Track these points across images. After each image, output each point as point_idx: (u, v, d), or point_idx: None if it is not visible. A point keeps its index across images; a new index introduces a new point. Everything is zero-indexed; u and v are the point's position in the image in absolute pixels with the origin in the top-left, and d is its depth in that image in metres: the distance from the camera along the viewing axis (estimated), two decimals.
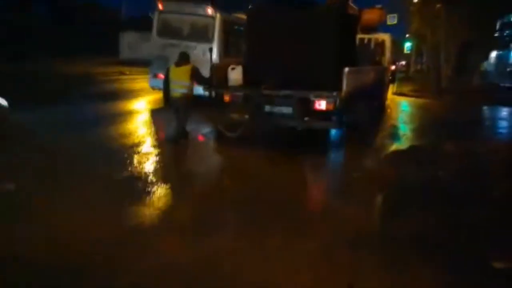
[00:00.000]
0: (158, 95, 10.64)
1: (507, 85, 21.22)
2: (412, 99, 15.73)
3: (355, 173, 5.26)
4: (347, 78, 5.67)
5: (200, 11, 9.38)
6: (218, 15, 9.18)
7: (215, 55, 8.64)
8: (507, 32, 36.13)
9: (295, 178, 5.20)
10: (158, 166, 5.31)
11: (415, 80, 22.57)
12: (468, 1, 16.14)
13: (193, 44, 8.95)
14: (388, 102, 12.89)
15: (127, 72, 21.75)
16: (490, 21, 18.62)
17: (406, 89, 18.06)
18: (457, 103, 14.04)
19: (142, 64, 26.52)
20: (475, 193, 4.61)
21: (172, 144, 6.28)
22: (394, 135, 8.30)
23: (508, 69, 36.44)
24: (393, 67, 14.81)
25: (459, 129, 8.75)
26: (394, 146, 7.10)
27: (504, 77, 24.88)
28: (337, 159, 6.91)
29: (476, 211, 3.97)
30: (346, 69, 5.67)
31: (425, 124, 10.10)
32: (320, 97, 5.78)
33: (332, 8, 6.53)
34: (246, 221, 3.69)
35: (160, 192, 4.25)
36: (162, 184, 4.47)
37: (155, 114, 8.58)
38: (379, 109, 10.81)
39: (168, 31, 9.55)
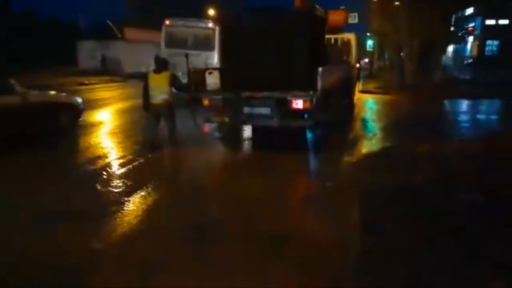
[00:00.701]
0: (123, 104, 11.05)
1: (466, 77, 22.75)
2: (378, 96, 16.27)
3: (328, 182, 5.08)
4: (321, 77, 6.18)
5: (202, 25, 11.55)
6: (217, 27, 11.07)
7: (215, 61, 10.61)
8: (461, 26, 38.50)
9: (267, 186, 4.93)
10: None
11: (379, 77, 23.49)
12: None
13: (196, 52, 10.69)
14: (355, 100, 13.26)
15: (86, 82, 21.70)
16: (446, 16, 19.51)
17: (371, 86, 18.76)
18: (421, 98, 14.67)
19: (99, 73, 26.44)
20: (452, 200, 4.39)
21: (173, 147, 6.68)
22: (365, 136, 8.28)
23: (465, 62, 38.79)
24: (358, 65, 15.62)
25: (426, 125, 9.03)
26: (366, 149, 7.08)
27: (462, 70, 26.54)
28: (310, 164, 6.61)
29: (455, 222, 3.81)
30: (320, 69, 6.18)
31: (394, 122, 10.17)
32: (297, 96, 6.22)
33: (302, 12, 7.03)
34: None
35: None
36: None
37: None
38: (349, 106, 11.47)
39: (174, 42, 10.99)
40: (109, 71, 29.51)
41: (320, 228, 3.79)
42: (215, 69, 6.97)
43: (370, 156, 6.57)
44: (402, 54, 20.02)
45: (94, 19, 35.52)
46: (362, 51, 23.39)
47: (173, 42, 11.57)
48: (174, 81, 6.45)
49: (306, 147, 7.40)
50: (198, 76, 6.88)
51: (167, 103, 6.49)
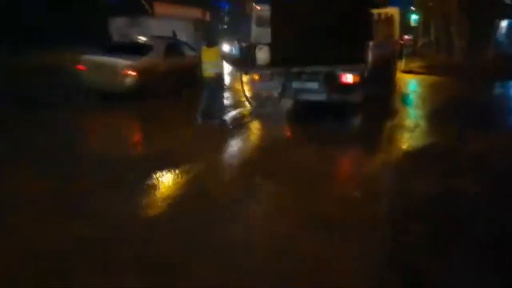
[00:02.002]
0: None
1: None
2: (422, 76, 15.31)
3: (355, 191, 4.27)
4: (371, 51, 6.70)
5: None
6: None
7: None
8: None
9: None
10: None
11: (424, 56, 22.78)
12: None
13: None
14: (396, 80, 12.87)
15: None
16: None
17: (414, 65, 18.03)
18: (471, 80, 13.15)
19: None
20: None
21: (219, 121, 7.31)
22: (405, 126, 7.30)
23: None
24: (400, 42, 15.75)
25: (477, 116, 7.85)
26: (406, 145, 6.21)
27: None
28: (339, 163, 5.74)
29: None
30: (370, 43, 6.70)
31: (439, 110, 8.84)
32: (347, 70, 6.79)
33: None
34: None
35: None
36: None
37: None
38: (392, 83, 11.86)
39: (262, 22, 12.75)
40: None
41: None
42: (265, 44, 7.59)
43: (411, 155, 5.58)
44: (447, 27, 19.45)
45: None
46: (405, 27, 23.25)
47: (261, 22, 13.50)
48: (224, 55, 7.15)
49: (342, 136, 6.71)
50: (249, 51, 7.54)
51: (218, 75, 7.19)
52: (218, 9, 48.30)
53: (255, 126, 7.57)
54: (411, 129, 7.09)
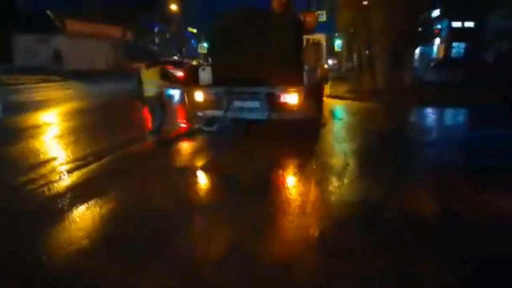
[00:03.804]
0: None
1: (432, 79, 25.48)
2: (348, 102, 15.91)
3: None
4: (307, 74, 7.91)
5: None
6: None
7: None
8: (427, 28, 42.32)
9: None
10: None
11: (348, 79, 24.87)
12: None
13: None
14: (324, 105, 13.37)
15: (12, 82, 21.70)
16: (414, 15, 20.25)
17: (340, 90, 19.19)
18: (395, 106, 14.35)
19: (38, 71, 26.64)
20: None
21: (159, 139, 8.03)
22: (332, 168, 6.38)
23: (431, 64, 42.59)
24: (325, 66, 17.58)
25: (409, 150, 7.88)
26: (332, 200, 5.03)
27: (428, 72, 29.57)
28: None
29: None
30: (306, 67, 7.91)
31: (369, 143, 8.48)
32: (285, 91, 7.89)
33: (287, 13, 8.77)
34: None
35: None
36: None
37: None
38: (320, 108, 13.35)
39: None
40: (48, 68, 29.79)
41: None
42: (207, 65, 8.50)
43: (337, 223, 4.33)
44: (369, 52, 21.12)
45: (30, 9, 35.25)
46: (330, 52, 25.59)
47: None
48: (164, 74, 7.90)
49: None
50: (191, 71, 8.40)
51: (158, 95, 7.91)
52: (146, 29, 49.12)
53: (196, 143, 8.32)
54: (337, 171, 6.16)
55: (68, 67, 31.89)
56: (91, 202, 4.78)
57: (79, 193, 5.15)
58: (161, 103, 8.02)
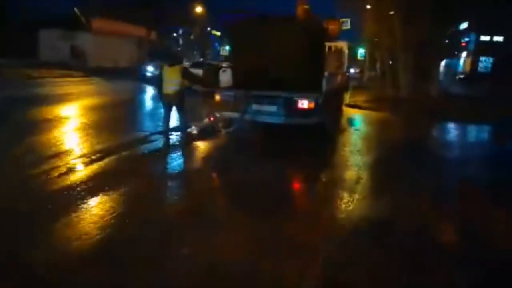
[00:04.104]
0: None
1: (457, 92, 25.22)
2: (368, 112, 15.33)
3: None
4: (326, 81, 8.06)
5: None
6: None
7: None
8: (454, 41, 41.94)
9: None
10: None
11: (370, 88, 24.80)
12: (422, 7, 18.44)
13: None
14: (343, 113, 13.52)
15: (35, 75, 22.26)
16: (441, 27, 20.23)
17: (360, 99, 18.69)
18: (419, 118, 13.72)
19: (63, 66, 27.42)
20: None
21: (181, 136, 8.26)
22: (344, 182, 6.14)
23: (457, 77, 42.11)
24: (347, 74, 17.64)
25: (430, 166, 7.43)
26: (343, 215, 4.81)
27: (453, 86, 29.29)
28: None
29: None
30: (326, 73, 8.07)
31: (386, 158, 8.09)
32: (303, 97, 8.06)
33: (309, 20, 8.95)
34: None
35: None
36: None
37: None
38: (340, 112, 13.46)
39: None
40: (75, 64, 30.62)
41: None
42: (228, 67, 8.75)
43: (348, 239, 4.19)
44: (393, 62, 21.06)
45: (60, 6, 36.33)
46: (352, 60, 25.65)
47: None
48: (185, 73, 8.12)
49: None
50: (212, 72, 8.66)
51: (177, 93, 8.13)
52: (170, 31, 50.14)
53: (211, 144, 8.51)
54: (349, 186, 5.90)
55: (91, 63, 32.67)
56: (92, 201, 4.80)
57: (81, 189, 5.21)
58: (179, 102, 8.21)
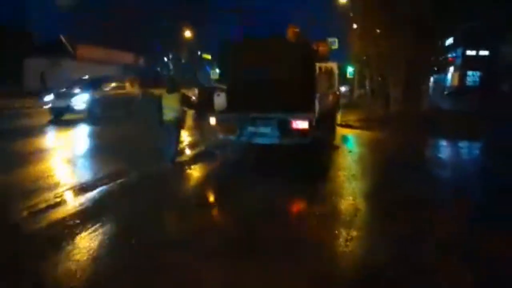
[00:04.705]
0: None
1: (447, 108, 25.83)
2: (360, 132, 15.12)
3: None
4: (319, 101, 8.41)
5: None
6: None
7: None
8: (441, 56, 43.02)
9: None
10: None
11: (360, 106, 25.07)
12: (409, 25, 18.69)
13: None
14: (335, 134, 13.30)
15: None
16: (430, 44, 20.77)
17: (351, 118, 18.67)
18: (411, 136, 13.55)
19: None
20: None
21: (170, 164, 8.48)
22: (341, 215, 5.65)
23: (445, 92, 43.07)
24: (338, 94, 18.02)
25: (428, 193, 6.77)
26: (338, 258, 4.36)
27: (442, 101, 30.01)
28: None
29: None
30: (318, 94, 8.42)
31: (380, 184, 7.49)
32: (297, 118, 8.38)
33: (300, 43, 9.35)
34: None
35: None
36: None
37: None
38: (333, 131, 13.80)
39: None
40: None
41: None
42: (222, 91, 9.08)
43: None
44: (382, 79, 21.47)
45: (45, 33, 36.78)
46: (341, 79, 26.16)
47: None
48: (184, 100, 8.43)
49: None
50: (207, 96, 8.98)
51: (177, 121, 8.44)
52: (159, 56, 50.82)
53: (207, 168, 8.72)
54: (348, 221, 5.37)
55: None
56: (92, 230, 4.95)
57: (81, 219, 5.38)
58: (178, 128, 8.51)
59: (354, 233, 4.86)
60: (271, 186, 6.88)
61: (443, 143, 12.71)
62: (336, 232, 4.95)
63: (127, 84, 18.91)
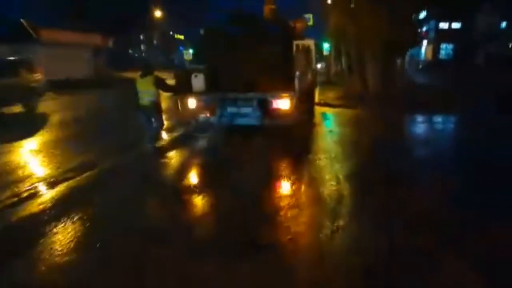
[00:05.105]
0: None
1: (422, 82, 26.18)
2: (339, 110, 14.99)
3: None
4: (298, 80, 8.41)
5: None
6: None
7: None
8: (418, 29, 43.44)
9: None
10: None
11: (337, 84, 24.73)
12: None
13: None
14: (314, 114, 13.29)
15: None
16: (407, 17, 20.10)
17: (329, 96, 18.64)
18: (389, 113, 13.45)
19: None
20: None
21: (153, 147, 8.43)
22: (325, 200, 5.48)
23: (420, 66, 43.69)
24: (315, 71, 18.05)
25: (412, 173, 6.77)
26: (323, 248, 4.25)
27: (416, 74, 30.43)
28: None
29: None
30: (297, 73, 8.41)
31: (364, 165, 7.29)
32: (277, 97, 8.38)
33: (279, 21, 9.29)
34: None
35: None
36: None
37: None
38: (312, 110, 13.85)
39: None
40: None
41: None
42: (199, 71, 8.96)
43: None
44: (359, 55, 21.37)
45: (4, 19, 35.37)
46: (318, 56, 26.11)
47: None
48: (158, 83, 8.30)
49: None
50: (182, 78, 8.86)
51: (154, 104, 8.32)
52: (130, 37, 49.70)
53: (188, 151, 8.67)
54: (332, 208, 5.20)
55: (46, 76, 31.95)
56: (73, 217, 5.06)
57: (64, 205, 5.48)
58: (157, 111, 8.40)
59: (339, 221, 4.77)
60: (250, 172, 6.88)
61: (421, 119, 12.72)
62: (320, 217, 4.92)
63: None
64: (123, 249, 4.29)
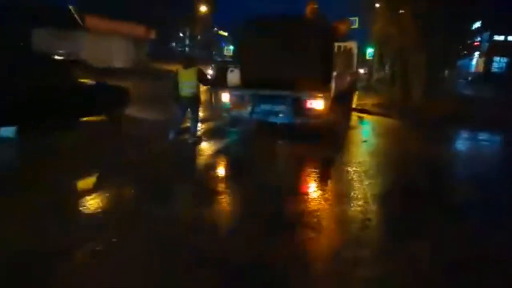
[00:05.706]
0: None
1: (470, 94, 25.42)
2: (377, 118, 14.49)
3: None
4: (335, 81, 8.47)
5: None
6: None
7: None
8: (468, 41, 42.29)
9: None
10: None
11: (378, 91, 24.20)
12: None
13: None
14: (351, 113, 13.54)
15: None
16: (456, 27, 19.86)
17: (369, 102, 18.15)
18: (434, 127, 12.57)
19: None
20: None
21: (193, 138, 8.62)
22: (348, 225, 4.77)
23: (469, 78, 42.51)
24: (355, 74, 17.93)
25: (455, 201, 5.77)
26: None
27: (465, 87, 29.65)
28: None
29: None
30: (335, 73, 8.47)
31: (398, 185, 6.50)
32: (311, 97, 8.46)
33: (317, 21, 9.37)
34: None
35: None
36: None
37: None
38: (349, 114, 13.84)
39: None
40: None
41: None
42: (236, 67, 9.19)
43: None
44: (404, 63, 20.93)
45: (50, 4, 36.71)
46: (360, 60, 25.86)
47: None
48: (201, 75, 8.51)
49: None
50: (221, 72, 9.10)
51: (194, 96, 8.54)
52: (173, 30, 50.87)
53: (218, 144, 8.75)
54: (353, 233, 4.52)
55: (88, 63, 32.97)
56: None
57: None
58: (195, 103, 8.61)
59: (362, 252, 4.02)
60: (273, 175, 6.67)
61: (471, 136, 11.95)
62: (342, 244, 4.27)
63: None
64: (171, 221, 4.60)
